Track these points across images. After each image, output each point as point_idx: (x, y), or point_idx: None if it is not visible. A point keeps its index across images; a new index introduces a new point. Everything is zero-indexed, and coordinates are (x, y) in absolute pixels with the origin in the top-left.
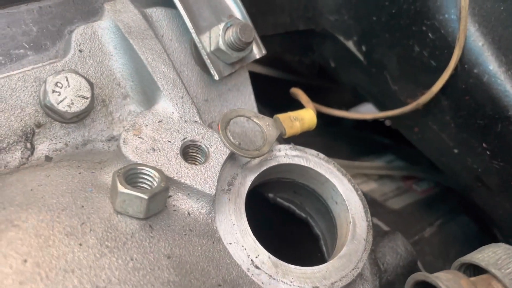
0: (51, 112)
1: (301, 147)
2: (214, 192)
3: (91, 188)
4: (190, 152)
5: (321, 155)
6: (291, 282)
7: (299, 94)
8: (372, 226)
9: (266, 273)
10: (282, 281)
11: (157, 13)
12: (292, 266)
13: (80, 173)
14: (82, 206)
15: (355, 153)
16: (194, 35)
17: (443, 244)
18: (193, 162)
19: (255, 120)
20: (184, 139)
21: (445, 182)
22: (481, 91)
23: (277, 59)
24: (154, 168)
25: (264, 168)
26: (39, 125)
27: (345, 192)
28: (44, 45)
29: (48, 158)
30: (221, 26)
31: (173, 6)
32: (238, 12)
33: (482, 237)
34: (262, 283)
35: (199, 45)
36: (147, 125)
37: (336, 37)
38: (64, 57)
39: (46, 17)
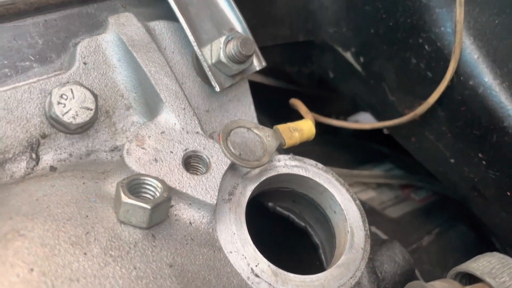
0: (56, 123)
1: (300, 157)
2: (215, 202)
3: (95, 198)
4: (191, 163)
5: (320, 165)
6: None
7: (298, 105)
8: (370, 235)
9: (266, 282)
10: None
11: (159, 26)
12: (292, 275)
13: (84, 183)
14: (87, 216)
15: (354, 161)
16: (196, 47)
17: (441, 253)
18: (195, 172)
19: (255, 131)
20: (186, 149)
21: (443, 191)
22: (477, 102)
23: (277, 69)
24: (156, 178)
25: (264, 178)
26: (44, 136)
27: (343, 202)
28: (49, 57)
29: (52, 168)
30: (222, 39)
31: (176, 20)
32: (239, 25)
33: (480, 245)
34: None
35: (200, 57)
36: (150, 136)
37: (335, 48)
38: (69, 69)
39: (51, 30)
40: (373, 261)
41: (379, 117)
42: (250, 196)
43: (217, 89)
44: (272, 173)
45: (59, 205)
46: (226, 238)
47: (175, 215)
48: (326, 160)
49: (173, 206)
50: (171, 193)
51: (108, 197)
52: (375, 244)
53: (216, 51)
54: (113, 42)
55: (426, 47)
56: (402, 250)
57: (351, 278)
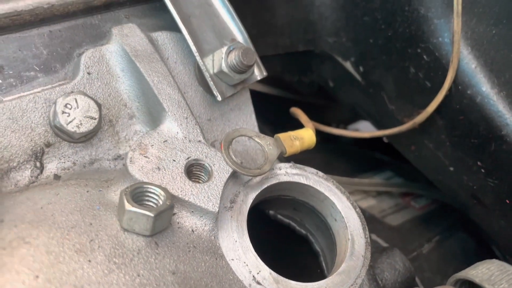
0: (60, 132)
1: (301, 166)
2: (217, 209)
3: (99, 206)
4: (194, 171)
5: (321, 173)
6: None
7: (299, 113)
8: (371, 243)
9: None
10: None
11: (162, 37)
12: (293, 282)
13: (88, 191)
14: (91, 224)
15: (354, 169)
16: (198, 58)
17: (441, 261)
18: (197, 180)
19: (256, 139)
20: (188, 158)
21: (443, 199)
22: (475, 111)
23: (277, 78)
24: (159, 186)
25: (265, 186)
26: (48, 145)
27: (343, 210)
28: (53, 67)
29: (56, 177)
30: (224, 49)
31: (178, 30)
32: (240, 36)
33: (480, 253)
34: None
35: (202, 67)
36: (152, 145)
37: (335, 58)
38: (73, 79)
39: (56, 41)
40: (374, 269)
41: (378, 125)
42: (251, 204)
43: (219, 98)
44: (273, 181)
45: (64, 213)
46: (228, 245)
47: (178, 223)
48: (327, 168)
49: (175, 214)
50: (173, 201)
51: (112, 205)
52: (376, 252)
53: (218, 61)
54: (116, 53)
55: (424, 57)
56: (402, 258)
57: (352, 285)
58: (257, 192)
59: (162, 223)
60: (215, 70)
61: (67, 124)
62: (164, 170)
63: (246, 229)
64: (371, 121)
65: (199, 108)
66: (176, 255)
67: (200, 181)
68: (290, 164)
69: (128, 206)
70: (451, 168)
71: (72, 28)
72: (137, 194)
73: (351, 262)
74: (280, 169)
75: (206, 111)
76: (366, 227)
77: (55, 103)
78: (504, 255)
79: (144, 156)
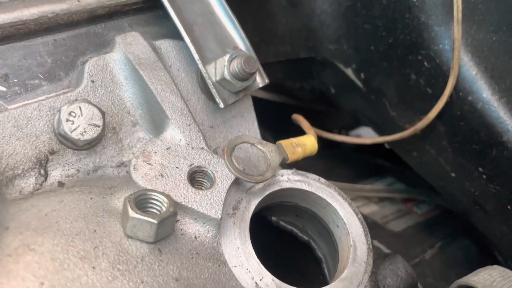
0: (64, 139)
1: (303, 172)
2: (219, 216)
3: (103, 213)
4: (197, 178)
5: (323, 180)
6: None
7: (301, 120)
8: (373, 249)
9: None
10: None
11: (165, 45)
12: None
13: (91, 198)
14: (95, 231)
15: (356, 175)
16: (200, 65)
17: (444, 266)
18: (200, 187)
19: (258, 146)
20: (191, 165)
21: (445, 205)
22: (476, 117)
23: (279, 85)
24: (163, 193)
25: (268, 192)
26: (52, 152)
27: (346, 216)
28: (58, 75)
29: (60, 184)
30: (226, 57)
31: (181, 38)
32: (242, 44)
33: (483, 259)
34: None
35: (205, 75)
36: (156, 152)
37: (336, 65)
38: (77, 87)
39: (60, 49)
40: (376, 275)
41: (380, 131)
42: (254, 210)
43: (221, 105)
44: (276, 187)
45: (68, 220)
46: (231, 252)
47: (181, 230)
48: (329, 174)
49: (178, 221)
50: (177, 208)
51: (116, 212)
52: (378, 258)
53: (220, 68)
54: (120, 61)
55: (425, 63)
56: (404, 264)
57: None
58: (259, 199)
59: (166, 230)
60: (218, 78)
61: (71, 132)
62: (167, 177)
63: (249, 235)
64: (372, 127)
65: (202, 115)
66: (179, 261)
67: (203, 188)
68: (292, 170)
69: (131, 213)
70: (453, 174)
71: (76, 36)
72: (141, 201)
73: (353, 268)
74: (282, 176)
75: (208, 118)
76: (368, 233)
77: (59, 111)
78: (506, 260)
79: (148, 163)
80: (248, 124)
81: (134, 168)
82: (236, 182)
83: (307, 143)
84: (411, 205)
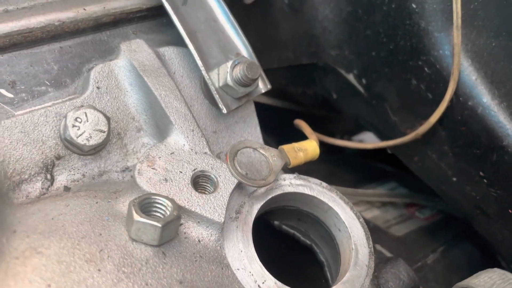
0: (70, 145)
1: (305, 176)
2: (222, 220)
3: (108, 216)
4: (200, 182)
5: (324, 184)
6: None
7: (303, 125)
8: (375, 253)
9: None
10: None
11: (169, 52)
12: None
13: (97, 203)
14: (100, 234)
15: (359, 180)
16: (203, 72)
17: (446, 271)
18: (203, 191)
19: (261, 151)
20: (194, 169)
21: (448, 210)
22: (476, 122)
23: (282, 90)
24: (167, 197)
25: (270, 196)
26: (58, 157)
27: (347, 220)
28: (64, 82)
29: (66, 189)
30: (229, 63)
31: (184, 45)
32: (245, 50)
33: (485, 263)
34: None
35: (208, 81)
36: (160, 157)
37: (338, 70)
38: (82, 93)
39: (66, 57)
40: (378, 279)
41: (382, 136)
42: (256, 214)
43: (224, 111)
44: (278, 192)
45: (74, 224)
46: (234, 255)
47: (185, 233)
48: (331, 179)
49: (182, 225)
50: (180, 212)
51: (120, 215)
52: (380, 262)
53: (223, 75)
54: (125, 67)
55: (426, 69)
56: (406, 268)
57: None
58: (262, 203)
59: (169, 233)
60: (221, 84)
61: (77, 137)
62: (171, 181)
63: (252, 239)
64: (374, 132)
65: (205, 120)
66: (183, 264)
67: (206, 192)
68: (294, 175)
69: (136, 217)
70: (454, 179)
71: (81, 44)
72: (145, 205)
73: (355, 271)
74: (285, 180)
75: (212, 124)
76: (370, 237)
77: (65, 117)
78: (508, 265)
79: (152, 168)
80: (250, 130)
81: (138, 173)
82: (239, 187)
83: (308, 147)
84: (414, 210)
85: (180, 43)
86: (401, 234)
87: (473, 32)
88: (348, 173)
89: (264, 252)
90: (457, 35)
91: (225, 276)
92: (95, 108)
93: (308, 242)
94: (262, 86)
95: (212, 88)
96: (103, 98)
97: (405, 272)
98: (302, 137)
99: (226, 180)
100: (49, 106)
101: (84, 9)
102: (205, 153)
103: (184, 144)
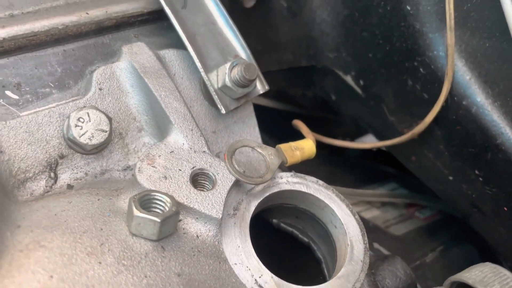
0: (73, 144)
1: (302, 175)
2: (220, 216)
3: (109, 212)
4: (199, 180)
5: (321, 182)
6: None
7: (300, 125)
8: (373, 251)
9: None
10: None
11: (169, 54)
12: (294, 286)
13: (99, 200)
14: (101, 229)
15: (359, 181)
16: (203, 73)
17: (445, 269)
18: (202, 188)
19: (258, 149)
20: (193, 167)
21: (447, 210)
22: (471, 121)
23: (281, 92)
24: (166, 194)
25: (267, 194)
26: (62, 156)
27: (343, 217)
28: (67, 84)
29: (69, 186)
30: (228, 65)
31: (184, 48)
32: (243, 52)
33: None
34: None
35: (207, 82)
36: (160, 155)
37: (336, 72)
38: (85, 94)
39: (69, 59)
40: (375, 276)
41: (380, 137)
42: (254, 211)
43: (223, 111)
44: (275, 189)
45: (76, 219)
46: (231, 250)
47: (183, 229)
48: (331, 179)
49: (181, 220)
50: (179, 208)
51: (121, 212)
52: (378, 260)
53: (221, 76)
54: (126, 70)
55: (421, 69)
56: (403, 265)
57: None
58: (259, 200)
59: (168, 229)
60: (219, 85)
61: (80, 137)
62: (171, 179)
63: (249, 235)
64: (372, 132)
65: (205, 121)
66: (182, 258)
67: (205, 189)
68: (291, 173)
69: (136, 212)
70: (451, 178)
71: (84, 47)
72: (145, 201)
73: (350, 266)
74: (282, 178)
75: (211, 124)
76: (365, 234)
77: (68, 117)
78: (506, 262)
79: (152, 166)
80: (249, 130)
81: (139, 171)
82: (237, 184)
83: (305, 146)
84: (413, 210)
85: (180, 45)
86: (400, 233)
87: (466, 33)
88: (349, 174)
89: (264, 250)
90: (450, 36)
91: (223, 270)
92: (97, 109)
93: (306, 239)
94: (260, 87)
95: (211, 89)
96: (105, 99)
97: (402, 269)
98: (302, 138)
99: (224, 178)
100: (53, 107)
101: (87, 13)
102: (204, 151)
103: (183, 143)
